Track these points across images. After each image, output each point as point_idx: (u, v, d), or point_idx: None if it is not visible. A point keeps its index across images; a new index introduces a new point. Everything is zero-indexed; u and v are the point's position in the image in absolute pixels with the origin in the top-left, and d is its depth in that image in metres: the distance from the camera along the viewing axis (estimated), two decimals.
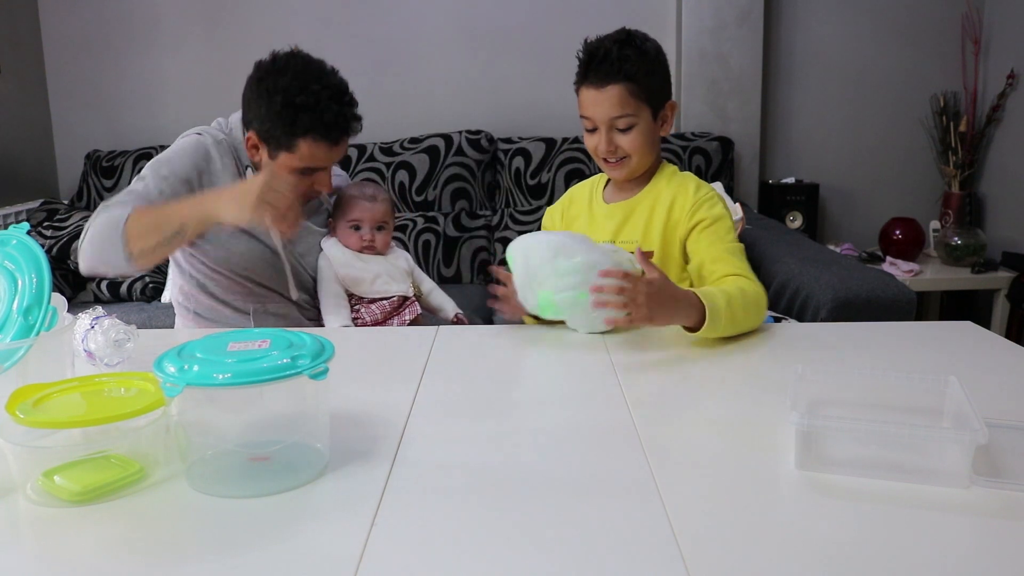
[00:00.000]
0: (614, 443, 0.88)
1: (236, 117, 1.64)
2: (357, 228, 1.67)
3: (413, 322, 1.68)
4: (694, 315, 1.17)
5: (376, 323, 1.64)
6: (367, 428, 0.93)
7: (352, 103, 1.56)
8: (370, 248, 1.67)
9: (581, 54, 1.41)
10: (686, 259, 1.43)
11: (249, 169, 1.61)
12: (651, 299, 1.12)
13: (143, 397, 0.81)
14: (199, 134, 1.61)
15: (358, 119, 1.58)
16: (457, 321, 1.78)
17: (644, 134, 1.40)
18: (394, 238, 2.72)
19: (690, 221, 1.41)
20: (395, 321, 1.66)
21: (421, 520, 0.72)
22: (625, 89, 1.37)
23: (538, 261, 1.25)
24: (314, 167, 1.56)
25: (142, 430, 0.79)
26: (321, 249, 1.69)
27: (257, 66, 1.56)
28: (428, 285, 1.79)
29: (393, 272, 1.68)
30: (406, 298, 1.68)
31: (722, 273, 1.33)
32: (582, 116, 1.43)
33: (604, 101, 1.38)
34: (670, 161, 1.53)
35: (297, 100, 1.49)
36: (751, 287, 1.29)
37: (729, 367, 1.14)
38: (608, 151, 1.41)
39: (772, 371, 1.11)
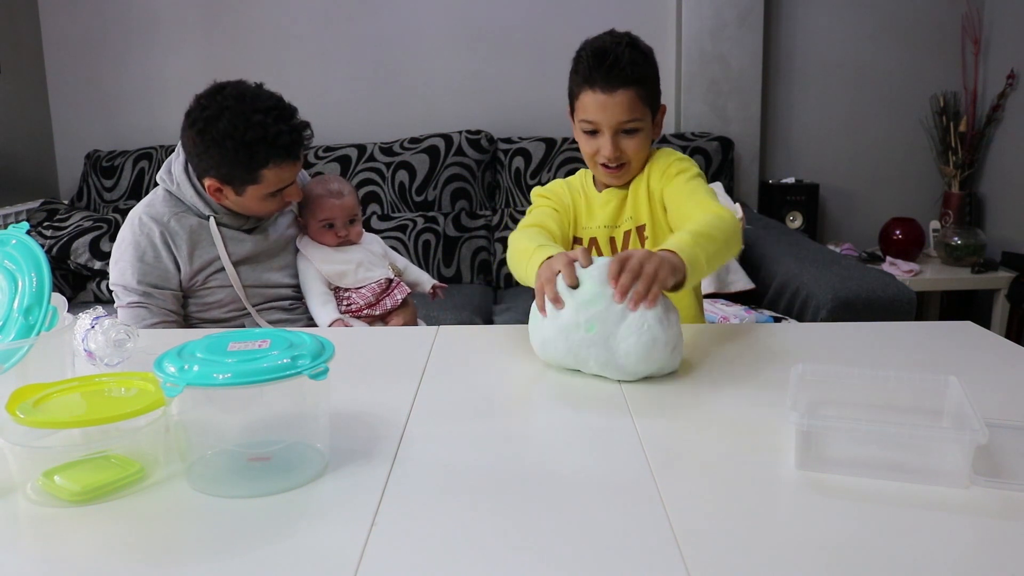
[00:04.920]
0: (614, 443, 0.88)
1: (177, 169, 1.60)
2: (330, 226, 1.68)
3: (404, 302, 1.71)
4: (679, 268, 1.11)
5: (370, 305, 1.66)
6: (367, 428, 0.93)
7: (294, 113, 1.56)
8: (345, 242, 1.69)
9: (585, 55, 1.37)
10: None
11: (212, 217, 1.60)
12: (659, 268, 1.06)
13: (143, 397, 0.81)
14: (140, 218, 1.59)
15: (307, 126, 1.57)
16: (434, 292, 1.84)
17: (646, 138, 1.40)
18: (394, 238, 2.74)
19: (662, 181, 1.41)
20: (388, 302, 1.69)
21: (421, 520, 0.72)
22: (635, 94, 1.35)
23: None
24: (283, 187, 1.58)
25: (142, 430, 0.79)
26: (298, 250, 1.71)
27: (190, 117, 1.54)
28: (402, 263, 1.84)
29: (371, 258, 1.71)
30: (391, 280, 1.70)
31: (692, 212, 1.32)
32: (583, 120, 1.38)
33: (614, 106, 1.35)
34: None
35: (247, 138, 1.48)
36: (717, 214, 1.26)
37: (729, 367, 1.14)
38: (613, 157, 1.38)
39: (772, 371, 1.11)
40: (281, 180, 1.56)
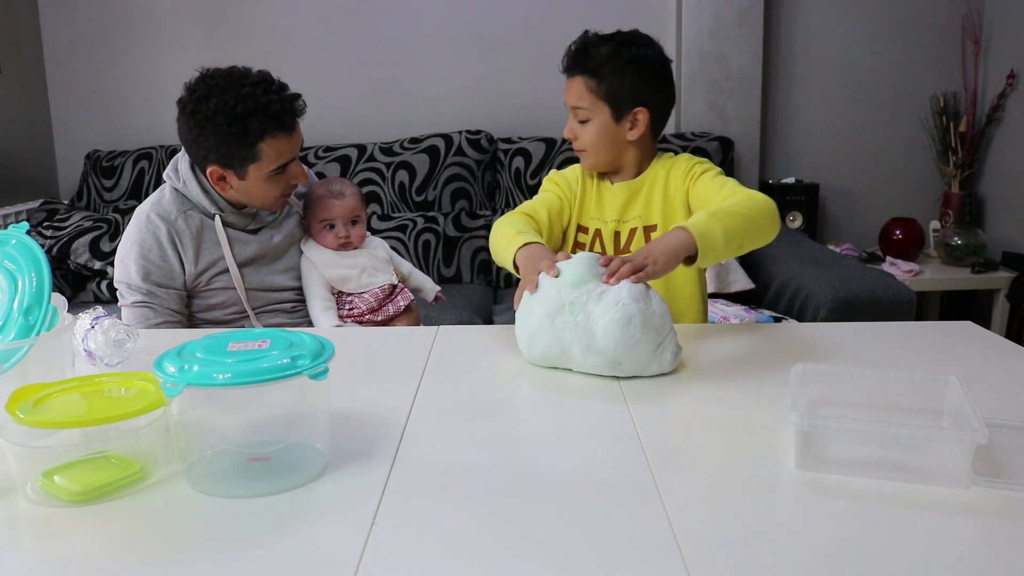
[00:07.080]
0: (614, 443, 0.88)
1: (183, 167, 1.60)
2: (331, 227, 1.67)
3: (407, 308, 1.70)
4: (687, 243, 1.18)
5: (372, 310, 1.66)
6: (367, 428, 0.93)
7: (284, 87, 1.56)
8: (347, 244, 1.68)
9: None
10: None
11: (218, 216, 1.59)
12: (652, 251, 1.16)
13: (143, 397, 0.81)
14: (147, 215, 1.58)
15: (298, 97, 1.57)
16: (437, 300, 1.84)
17: (598, 131, 1.43)
18: (394, 238, 2.74)
19: (685, 183, 1.45)
20: (390, 308, 1.68)
21: (421, 520, 0.72)
22: (583, 83, 1.42)
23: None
24: (284, 164, 1.56)
25: (142, 430, 0.79)
26: (302, 252, 1.70)
27: (181, 104, 1.55)
28: (407, 268, 1.84)
29: (376, 263, 1.71)
30: (395, 285, 1.70)
31: (722, 199, 1.35)
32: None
33: (568, 90, 1.45)
34: None
35: (238, 109, 1.48)
36: (747, 195, 1.32)
37: (729, 367, 1.14)
38: (569, 136, 1.47)
39: (772, 371, 1.11)
40: (280, 155, 1.54)
